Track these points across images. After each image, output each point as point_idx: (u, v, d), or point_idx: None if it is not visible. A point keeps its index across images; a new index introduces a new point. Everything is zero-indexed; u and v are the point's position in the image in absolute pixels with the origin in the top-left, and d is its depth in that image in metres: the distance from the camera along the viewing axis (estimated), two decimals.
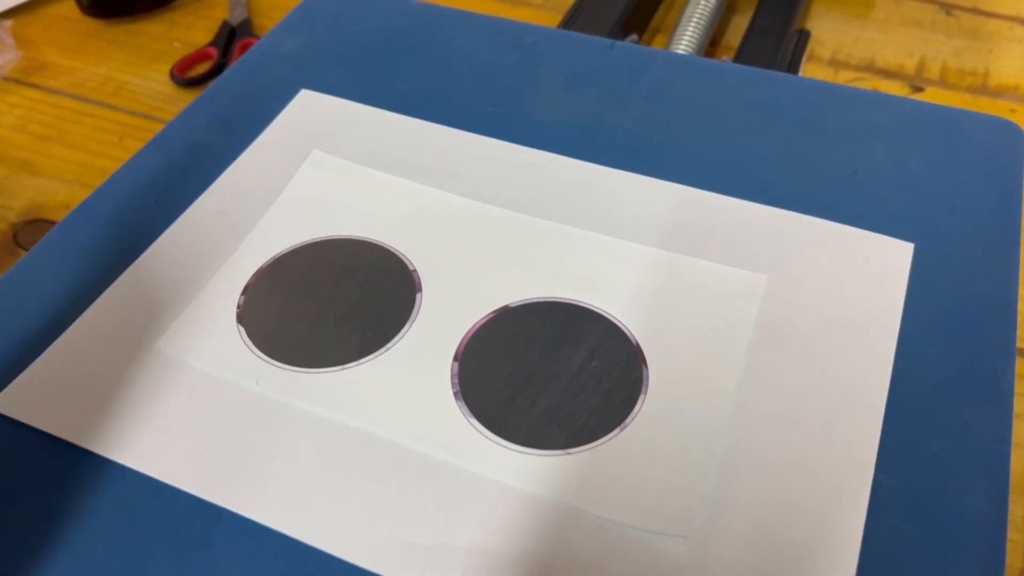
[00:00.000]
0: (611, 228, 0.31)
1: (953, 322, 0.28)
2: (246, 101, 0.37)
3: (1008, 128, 0.34)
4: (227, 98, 0.37)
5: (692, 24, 0.49)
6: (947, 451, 0.25)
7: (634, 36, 0.51)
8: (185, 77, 0.57)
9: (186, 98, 0.57)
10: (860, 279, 0.29)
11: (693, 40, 0.48)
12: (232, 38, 0.61)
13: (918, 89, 0.55)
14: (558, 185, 0.33)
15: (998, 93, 0.55)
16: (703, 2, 0.50)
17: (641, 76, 0.37)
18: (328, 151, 0.35)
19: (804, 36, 0.49)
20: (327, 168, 0.34)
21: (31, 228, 0.49)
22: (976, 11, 0.62)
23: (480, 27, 0.40)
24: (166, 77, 0.58)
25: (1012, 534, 0.35)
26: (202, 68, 0.59)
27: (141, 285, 0.30)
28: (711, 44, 0.58)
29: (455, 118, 0.36)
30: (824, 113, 0.35)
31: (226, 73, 0.39)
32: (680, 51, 0.46)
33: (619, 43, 0.39)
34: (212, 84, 0.38)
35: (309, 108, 0.36)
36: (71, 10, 0.64)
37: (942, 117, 0.35)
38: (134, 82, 0.58)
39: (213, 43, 0.60)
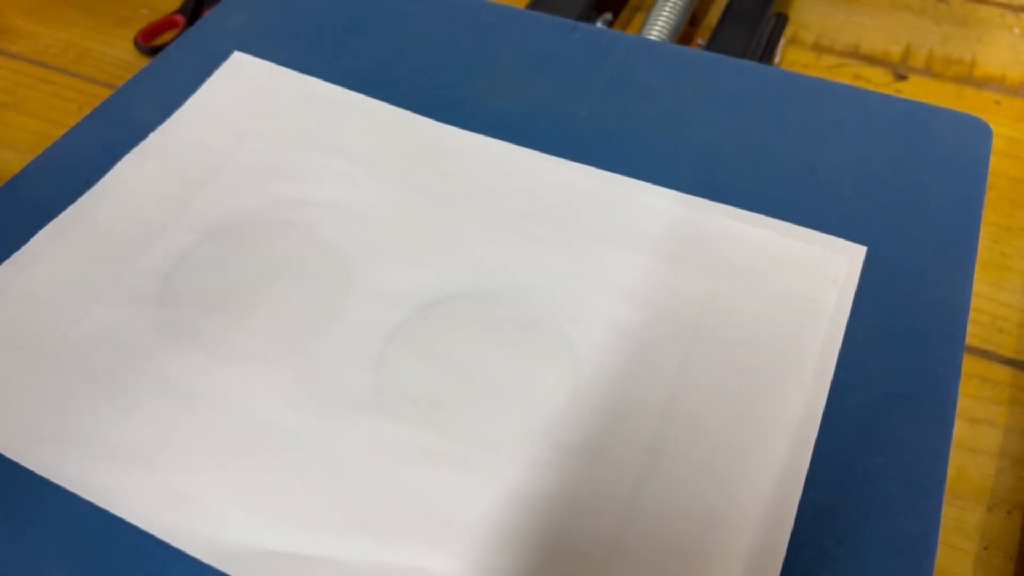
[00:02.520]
0: (543, 218, 0.30)
1: (901, 330, 0.27)
2: (188, 74, 0.35)
3: (977, 126, 0.33)
4: (170, 70, 0.36)
5: (668, 6, 0.47)
6: (883, 469, 0.24)
7: (607, 16, 0.50)
8: (149, 45, 0.56)
9: None
10: (806, 282, 0.28)
11: (668, 23, 0.46)
12: (200, 6, 0.59)
13: (901, 77, 0.54)
14: (500, 174, 0.32)
15: (983, 83, 0.53)
16: None
17: (601, 61, 0.36)
18: (257, 118, 0.33)
19: (781, 20, 0.47)
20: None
21: None
22: None
23: (439, 5, 0.39)
24: (130, 44, 0.57)
25: (963, 543, 0.35)
26: (168, 36, 0.57)
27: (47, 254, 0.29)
28: (691, 24, 0.57)
29: (402, 98, 0.34)
30: (788, 105, 0.34)
31: (171, 45, 0.37)
32: (654, 34, 0.45)
33: (581, 25, 0.37)
34: (158, 56, 0.37)
35: (243, 73, 0.35)
36: None
37: (911, 112, 0.34)
38: (97, 49, 0.57)
39: (180, 10, 0.58)
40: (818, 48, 0.56)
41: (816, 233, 0.29)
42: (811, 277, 0.28)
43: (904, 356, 0.26)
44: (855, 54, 0.56)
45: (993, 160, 0.48)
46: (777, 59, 0.49)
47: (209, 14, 0.39)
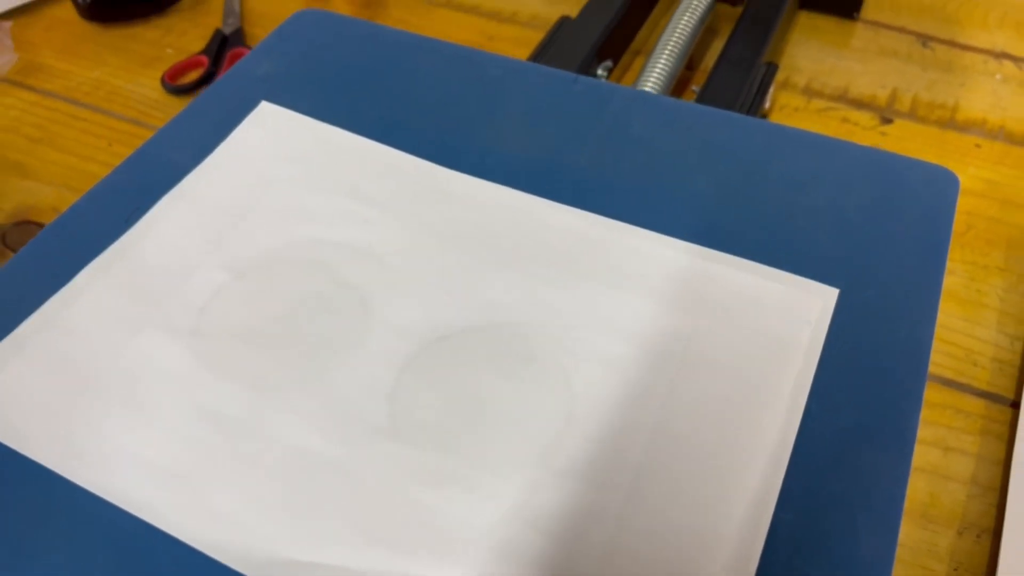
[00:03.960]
0: (546, 262, 0.33)
1: (868, 366, 0.30)
2: (218, 121, 0.38)
3: (945, 177, 0.36)
4: (202, 117, 0.39)
5: (664, 56, 0.50)
6: (848, 492, 0.26)
7: (608, 63, 0.53)
8: (175, 84, 0.59)
9: (175, 104, 0.59)
10: (783, 322, 0.31)
11: (664, 71, 0.49)
12: (224, 47, 0.62)
13: (887, 121, 0.57)
14: (505, 218, 0.34)
15: (965, 127, 0.56)
16: (677, 33, 0.52)
17: (600, 112, 0.39)
18: (282, 164, 0.36)
19: (771, 69, 0.50)
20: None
21: (19, 230, 0.51)
22: (952, 43, 0.63)
23: (450, 57, 0.42)
24: (157, 83, 0.60)
25: (934, 564, 0.37)
26: (193, 75, 0.61)
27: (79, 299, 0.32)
28: (688, 67, 0.60)
29: (415, 146, 0.37)
30: (771, 156, 0.37)
31: (203, 94, 0.40)
32: (650, 84, 0.48)
33: (582, 78, 0.40)
34: (191, 103, 0.40)
35: (269, 121, 0.38)
36: (70, 13, 0.66)
37: (885, 163, 0.36)
38: (126, 87, 0.60)
39: (204, 51, 0.62)
40: (809, 92, 0.59)
41: (793, 276, 0.32)
42: (787, 317, 0.31)
43: (870, 389, 0.29)
44: (844, 98, 0.58)
45: (971, 201, 0.51)
46: (767, 104, 0.52)
47: (237, 64, 0.42)
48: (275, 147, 0.37)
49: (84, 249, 0.34)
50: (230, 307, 0.31)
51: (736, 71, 0.49)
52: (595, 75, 0.53)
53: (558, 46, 0.52)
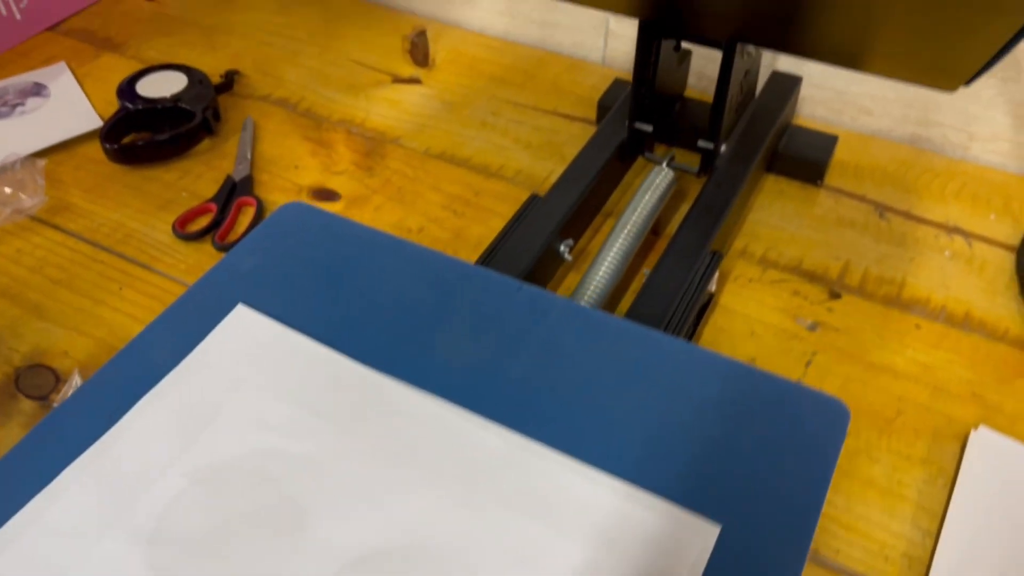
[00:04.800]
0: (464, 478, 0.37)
1: None
2: (199, 319, 0.44)
3: (836, 408, 0.40)
4: (187, 314, 0.44)
5: (619, 243, 0.55)
6: None
7: (569, 241, 0.58)
8: (184, 232, 0.65)
9: (183, 250, 0.65)
10: (662, 555, 0.35)
11: (608, 275, 0.54)
12: (232, 194, 0.68)
13: (835, 296, 0.60)
14: (435, 434, 0.39)
15: (909, 305, 0.60)
16: (632, 222, 0.56)
17: (537, 323, 0.43)
18: (249, 371, 0.41)
19: (716, 257, 0.55)
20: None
21: (31, 373, 0.56)
22: (908, 214, 0.67)
23: (411, 258, 0.47)
24: (170, 228, 0.66)
25: None
26: (202, 222, 0.67)
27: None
28: (653, 232, 0.64)
29: (370, 349, 0.42)
30: (684, 380, 0.41)
31: (185, 294, 0.46)
32: (589, 292, 0.52)
33: (525, 287, 0.45)
34: (179, 298, 0.45)
35: (242, 325, 0.43)
36: (100, 152, 0.73)
37: (781, 392, 0.40)
38: (141, 230, 0.66)
39: (215, 197, 0.68)
40: (765, 262, 0.63)
41: (679, 511, 0.36)
42: (670, 549, 0.35)
43: None
44: (798, 269, 0.62)
45: (904, 386, 0.55)
46: (712, 287, 0.57)
47: (225, 259, 0.47)
48: (245, 352, 0.42)
49: (72, 447, 0.39)
50: (185, 516, 0.36)
51: (682, 260, 0.53)
52: (559, 251, 0.58)
53: (526, 224, 0.57)
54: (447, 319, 0.44)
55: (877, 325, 0.58)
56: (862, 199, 0.68)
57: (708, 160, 0.61)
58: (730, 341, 0.57)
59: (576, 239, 0.59)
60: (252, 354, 0.42)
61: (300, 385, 0.40)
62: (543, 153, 0.73)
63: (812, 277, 0.62)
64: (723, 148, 0.61)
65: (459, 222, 0.66)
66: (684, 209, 0.66)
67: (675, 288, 0.53)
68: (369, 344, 0.43)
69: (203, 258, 0.64)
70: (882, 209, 0.67)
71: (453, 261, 0.47)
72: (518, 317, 0.44)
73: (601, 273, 0.53)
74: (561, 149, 0.73)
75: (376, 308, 0.44)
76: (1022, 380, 0.55)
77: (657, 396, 0.40)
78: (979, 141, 0.71)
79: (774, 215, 0.67)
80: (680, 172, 0.63)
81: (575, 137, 0.74)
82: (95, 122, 0.76)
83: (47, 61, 0.85)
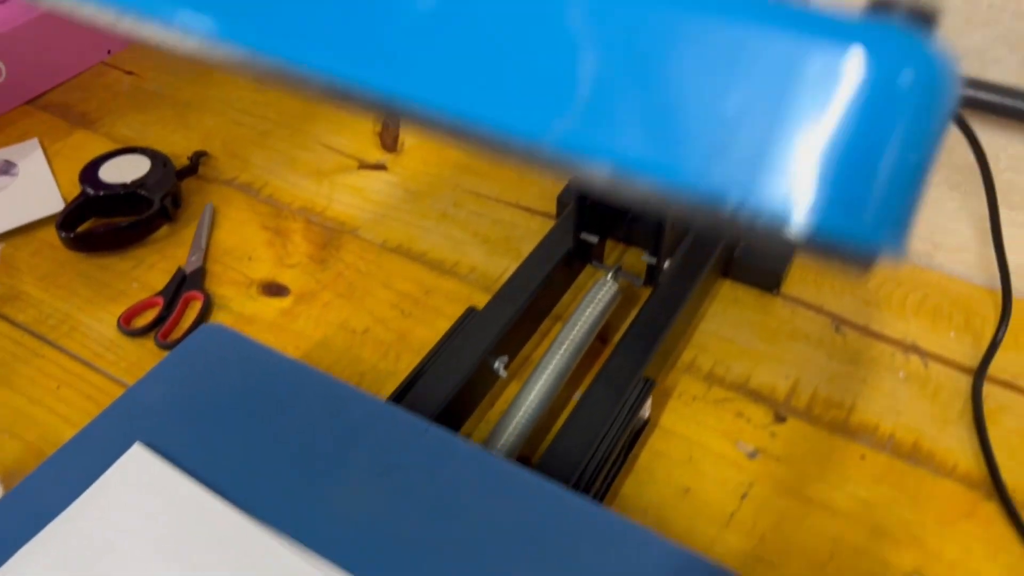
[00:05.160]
0: None
1: None
2: (95, 458, 0.43)
3: None
4: (86, 449, 0.44)
5: (554, 363, 0.54)
6: None
7: (504, 358, 0.57)
8: (129, 327, 0.65)
9: (126, 346, 0.64)
10: None
11: (552, 378, 0.53)
12: (181, 287, 0.68)
13: (780, 419, 0.59)
14: None
15: (855, 433, 0.58)
16: (570, 339, 0.55)
17: (439, 471, 0.42)
18: (134, 519, 0.40)
19: (648, 384, 0.53)
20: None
21: None
22: (866, 330, 0.65)
23: (324, 391, 0.46)
24: (115, 321, 0.66)
25: None
26: (148, 316, 0.66)
27: None
28: (600, 339, 0.63)
29: (262, 496, 0.41)
30: (586, 545, 0.40)
31: (98, 418, 0.45)
32: (533, 395, 0.51)
33: (432, 428, 0.44)
34: (82, 430, 0.45)
35: (135, 467, 0.42)
36: (56, 237, 0.73)
37: (679, 564, 0.39)
38: (87, 323, 0.66)
39: (163, 291, 0.68)
40: (711, 378, 0.61)
41: None
42: None
43: None
44: (744, 387, 0.61)
45: (840, 525, 0.53)
46: (646, 414, 0.55)
47: (139, 383, 0.47)
48: (134, 497, 0.41)
49: None
50: None
51: (611, 389, 0.52)
52: (493, 367, 0.56)
53: (462, 337, 0.56)
54: (348, 464, 0.43)
55: (820, 455, 0.56)
56: (819, 310, 0.66)
57: (652, 274, 0.60)
58: (666, 467, 0.55)
59: (515, 352, 0.58)
60: (141, 500, 0.41)
61: (180, 542, 0.40)
62: (500, 249, 0.72)
63: (758, 397, 0.60)
64: (666, 264, 0.60)
65: (405, 323, 0.65)
66: (634, 315, 0.65)
67: (603, 418, 0.51)
68: (265, 490, 0.42)
69: (145, 356, 0.63)
70: (839, 322, 0.65)
71: (363, 398, 0.46)
72: (420, 463, 0.43)
73: (531, 398, 0.52)
74: (518, 245, 0.72)
75: (280, 448, 0.44)
76: (965, 522, 0.52)
77: (553, 562, 0.39)
78: (944, 251, 0.69)
79: (726, 324, 0.65)
80: (627, 282, 0.62)
81: (533, 232, 0.74)
82: (58, 205, 0.76)
83: (21, 136, 0.86)
